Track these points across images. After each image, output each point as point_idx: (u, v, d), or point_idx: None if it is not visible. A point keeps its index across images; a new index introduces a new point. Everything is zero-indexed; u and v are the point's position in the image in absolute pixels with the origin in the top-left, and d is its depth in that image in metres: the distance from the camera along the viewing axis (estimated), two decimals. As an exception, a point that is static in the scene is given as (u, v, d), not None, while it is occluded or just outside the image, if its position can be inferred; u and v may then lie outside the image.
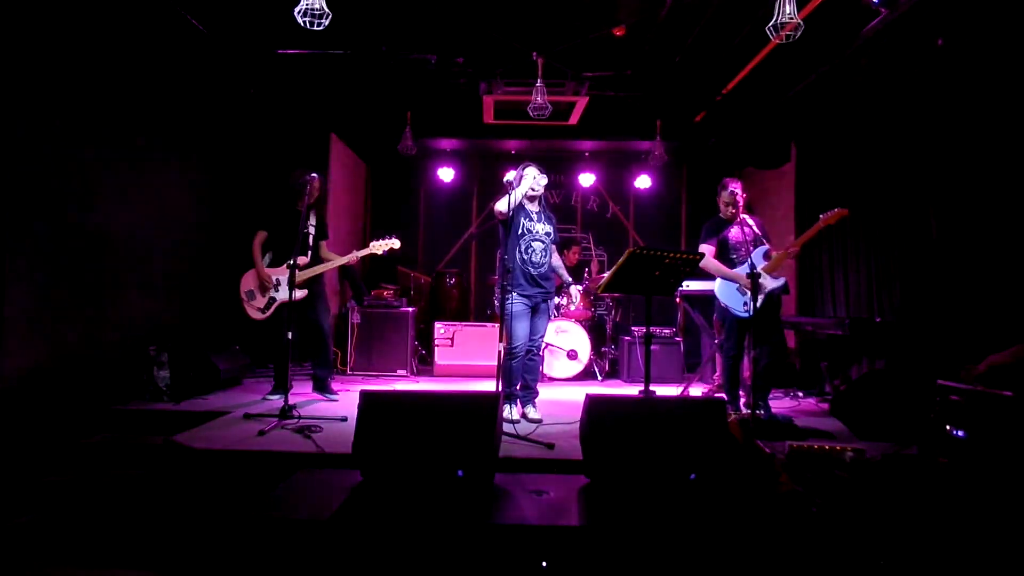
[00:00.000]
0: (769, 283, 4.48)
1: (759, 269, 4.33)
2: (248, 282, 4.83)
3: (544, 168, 4.41)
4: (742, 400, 4.75)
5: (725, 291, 4.59)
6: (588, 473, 3.00)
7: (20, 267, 3.62)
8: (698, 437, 2.96)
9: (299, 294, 4.62)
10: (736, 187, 4.59)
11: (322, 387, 4.89)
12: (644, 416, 3.00)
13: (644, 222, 8.74)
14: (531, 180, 4.29)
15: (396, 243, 4.85)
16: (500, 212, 4.25)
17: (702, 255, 4.35)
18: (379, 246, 4.79)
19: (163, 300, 5.11)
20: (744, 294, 4.46)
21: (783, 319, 6.01)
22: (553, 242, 4.46)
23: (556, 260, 4.55)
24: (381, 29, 5.28)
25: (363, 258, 4.88)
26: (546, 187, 4.42)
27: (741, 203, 4.56)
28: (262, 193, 5.83)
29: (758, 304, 4.09)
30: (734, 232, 4.60)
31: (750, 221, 4.56)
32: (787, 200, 7.13)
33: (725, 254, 4.63)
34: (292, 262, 4.26)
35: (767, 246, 4.62)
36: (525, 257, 4.32)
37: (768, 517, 2.59)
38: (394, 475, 2.86)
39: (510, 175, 4.39)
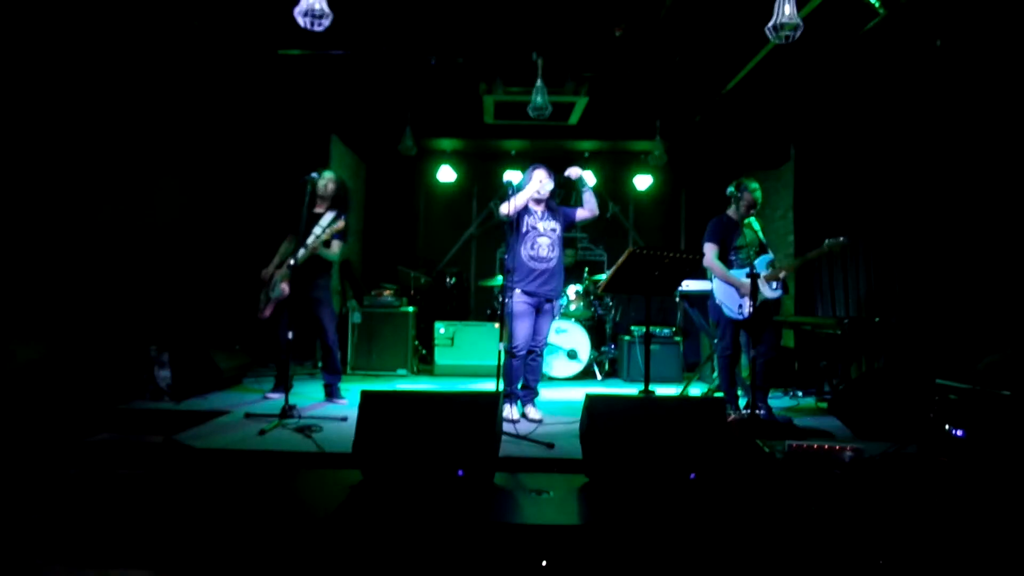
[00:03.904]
0: (768, 292, 4.48)
1: (760, 276, 4.36)
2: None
3: (551, 171, 4.38)
4: (742, 400, 4.75)
5: (722, 289, 4.59)
6: (588, 473, 3.01)
7: (20, 266, 3.62)
8: (698, 437, 2.97)
9: (286, 287, 4.60)
10: (759, 189, 4.56)
11: (331, 393, 4.89)
12: (644, 416, 3.00)
13: (644, 222, 8.74)
14: (537, 184, 4.28)
15: (340, 224, 4.57)
16: (502, 214, 4.24)
17: (703, 255, 4.33)
18: (326, 232, 4.53)
19: (164, 300, 5.11)
20: (741, 296, 4.47)
21: (783, 319, 6.03)
22: (560, 240, 4.42)
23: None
24: (381, 29, 5.28)
25: (362, 257, 4.83)
26: (545, 187, 4.37)
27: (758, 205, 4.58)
28: (273, 197, 5.78)
29: (755, 307, 4.07)
30: (739, 234, 4.57)
31: (756, 225, 4.56)
32: (786, 200, 7.14)
33: (726, 255, 4.62)
34: (292, 262, 4.27)
35: (771, 255, 4.62)
36: (532, 253, 4.29)
37: (768, 517, 2.60)
38: (394, 475, 2.86)
39: (511, 175, 4.37)
